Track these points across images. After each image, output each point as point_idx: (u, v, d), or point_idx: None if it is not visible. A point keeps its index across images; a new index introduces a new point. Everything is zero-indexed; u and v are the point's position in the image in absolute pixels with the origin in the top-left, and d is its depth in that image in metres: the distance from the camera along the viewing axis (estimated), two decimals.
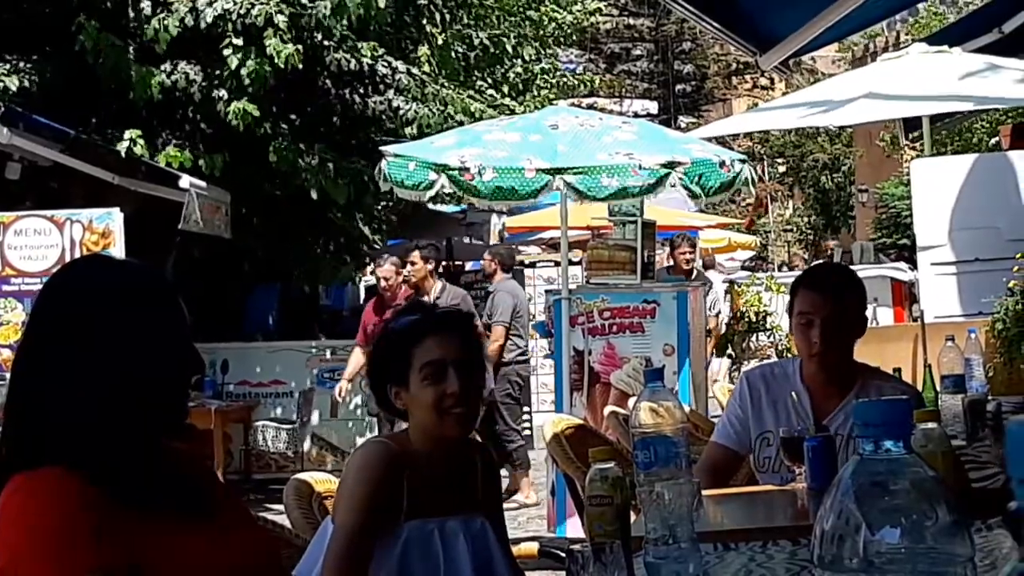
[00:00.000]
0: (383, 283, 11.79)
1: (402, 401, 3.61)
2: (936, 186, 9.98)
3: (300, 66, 11.81)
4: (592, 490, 3.04)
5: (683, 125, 41.88)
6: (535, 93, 18.51)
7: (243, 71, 11.48)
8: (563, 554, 4.46)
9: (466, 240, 21.17)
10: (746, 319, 11.65)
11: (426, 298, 10.71)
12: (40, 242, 10.35)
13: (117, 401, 2.48)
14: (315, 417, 13.43)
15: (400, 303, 11.08)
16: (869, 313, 5.02)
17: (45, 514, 2.35)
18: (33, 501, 2.38)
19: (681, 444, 3.32)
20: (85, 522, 2.35)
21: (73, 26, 11.04)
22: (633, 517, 3.16)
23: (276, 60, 11.48)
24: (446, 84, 13.74)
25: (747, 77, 52.01)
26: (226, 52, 11.56)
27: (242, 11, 11.26)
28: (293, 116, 13.11)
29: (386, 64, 12.89)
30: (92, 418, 2.46)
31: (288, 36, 11.51)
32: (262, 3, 11.33)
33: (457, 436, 3.62)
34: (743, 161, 9.51)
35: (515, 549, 4.02)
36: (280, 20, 11.41)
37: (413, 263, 11.39)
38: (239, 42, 11.54)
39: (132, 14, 11.49)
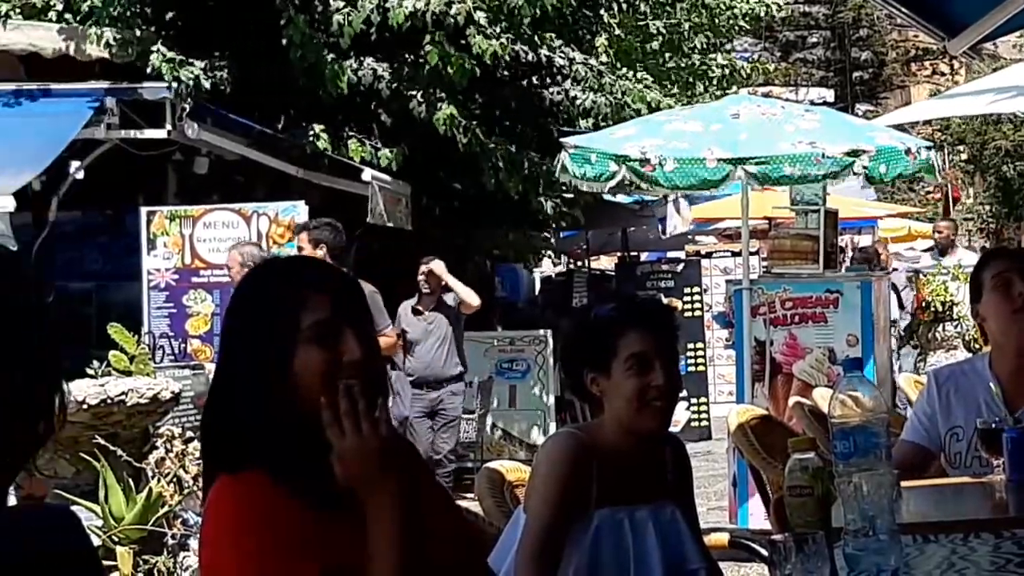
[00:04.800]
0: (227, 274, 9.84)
1: (599, 388, 3.59)
2: None
3: (506, 59, 11.85)
4: (792, 480, 3.02)
5: (860, 112, 41.20)
6: (707, 85, 18.39)
7: (449, 68, 11.52)
8: (754, 545, 4.44)
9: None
10: (932, 309, 11.46)
11: None
12: (228, 235, 10.52)
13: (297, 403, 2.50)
14: (494, 406, 13.52)
15: None
16: None
17: (248, 523, 2.40)
18: (237, 508, 2.43)
19: (881, 435, 3.27)
20: (286, 532, 2.39)
21: (271, 23, 11.19)
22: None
23: (483, 57, 11.51)
24: (623, 75, 13.71)
25: (926, 64, 50.98)
26: (428, 48, 11.61)
27: (437, 10, 11.31)
28: (474, 107, 13.21)
29: (563, 55, 12.92)
30: (281, 422, 2.48)
31: (490, 31, 11.54)
32: (459, 2, 11.38)
33: (655, 431, 3.60)
34: (929, 148, 9.34)
35: (704, 540, 4.00)
36: (480, 16, 11.44)
37: (300, 248, 9.42)
38: (440, 39, 11.56)
39: (320, 8, 11.61)
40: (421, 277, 11.26)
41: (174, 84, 10.62)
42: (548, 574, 3.44)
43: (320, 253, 8.96)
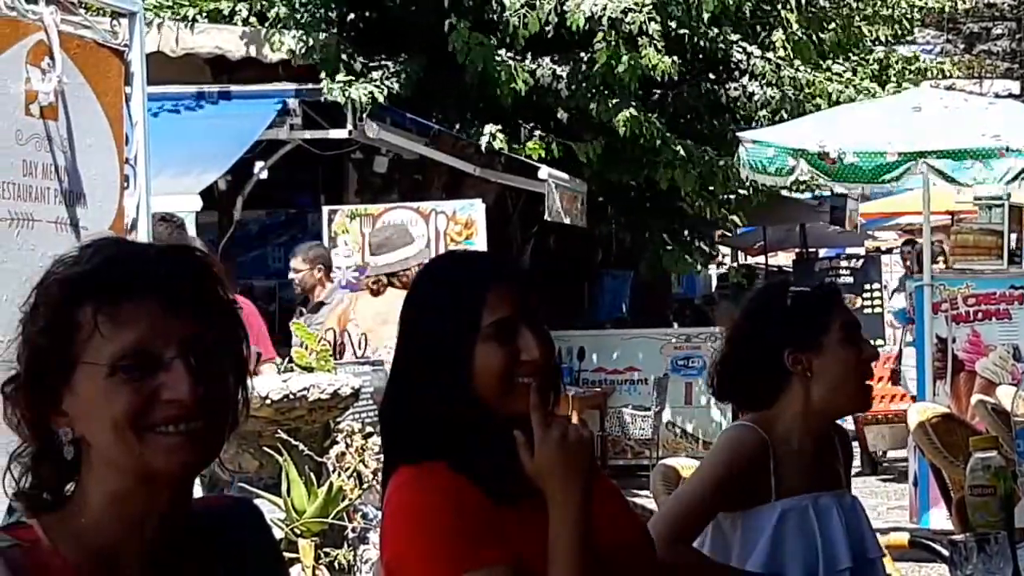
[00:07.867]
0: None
1: (803, 366, 3.48)
2: None
3: (675, 77, 11.84)
4: (974, 479, 2.98)
5: None
6: (893, 81, 18.04)
7: (619, 69, 11.51)
8: (935, 545, 4.37)
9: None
10: None
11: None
12: None
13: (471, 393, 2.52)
14: (670, 403, 13.49)
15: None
16: None
17: (432, 513, 2.42)
18: (420, 498, 2.45)
19: None
20: (469, 521, 2.40)
21: (445, 27, 11.29)
22: None
23: (653, 72, 11.51)
24: (802, 68, 13.54)
25: None
26: (598, 47, 11.63)
27: (612, 16, 11.32)
28: (649, 105, 13.19)
29: (741, 50, 12.82)
30: (460, 417, 2.50)
31: (662, 45, 11.50)
32: (634, 11, 11.36)
33: (867, 406, 3.62)
34: None
35: (884, 539, 3.96)
36: (653, 29, 11.40)
37: (297, 270, 9.35)
38: (612, 39, 11.56)
39: (496, 8, 11.65)
40: None
41: (350, 102, 10.76)
42: (679, 546, 3.36)
43: (318, 274, 9.29)
